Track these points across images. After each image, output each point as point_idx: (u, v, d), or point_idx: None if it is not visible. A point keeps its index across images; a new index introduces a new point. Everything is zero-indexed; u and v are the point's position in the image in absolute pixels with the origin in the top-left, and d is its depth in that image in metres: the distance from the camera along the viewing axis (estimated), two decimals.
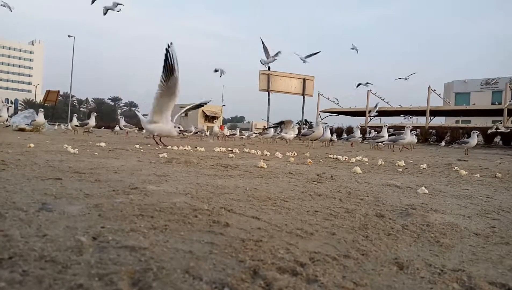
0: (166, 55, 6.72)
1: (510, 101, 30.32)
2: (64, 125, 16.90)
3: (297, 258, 1.07)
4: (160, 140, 7.66)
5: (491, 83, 51.86)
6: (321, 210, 1.82)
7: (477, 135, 12.16)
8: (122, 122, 15.35)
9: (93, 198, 1.76)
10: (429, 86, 41.22)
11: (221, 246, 1.15)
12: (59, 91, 40.63)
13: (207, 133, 17.27)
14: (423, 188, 2.64)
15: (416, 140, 14.89)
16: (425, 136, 31.17)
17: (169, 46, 6.72)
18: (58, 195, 1.79)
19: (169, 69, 6.77)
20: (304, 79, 32.95)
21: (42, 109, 14.34)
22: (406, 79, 18.96)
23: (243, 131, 20.99)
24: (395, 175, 3.76)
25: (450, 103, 47.94)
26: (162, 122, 7.35)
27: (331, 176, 3.23)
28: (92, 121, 14.37)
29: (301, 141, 14.80)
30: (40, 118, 14.04)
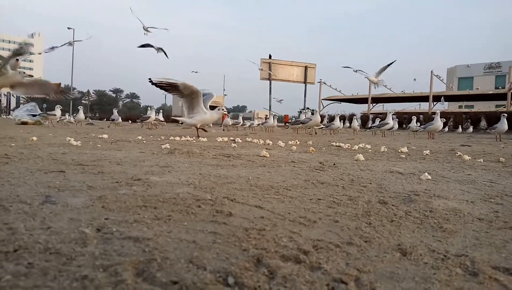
0: (157, 86, 7.29)
1: None
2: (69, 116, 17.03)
3: (300, 246, 1.07)
4: (197, 131, 8.05)
5: (494, 67, 51.36)
6: (324, 198, 1.82)
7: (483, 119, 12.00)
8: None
9: (97, 190, 1.77)
10: (432, 71, 40.90)
11: (225, 235, 1.15)
12: (60, 83, 40.55)
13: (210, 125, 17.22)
14: (426, 174, 2.64)
15: (397, 126, 14.89)
16: (427, 121, 30.89)
17: (151, 82, 7.17)
18: (61, 188, 1.79)
19: (170, 88, 7.36)
20: (305, 67, 32.74)
21: (81, 107, 14.77)
22: (355, 71, 18.62)
23: (245, 121, 21.00)
24: (398, 162, 3.75)
25: (453, 88, 47.58)
26: (200, 114, 7.73)
27: (334, 164, 3.23)
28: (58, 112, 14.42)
29: (293, 130, 14.77)
30: (80, 114, 14.48)
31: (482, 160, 4.15)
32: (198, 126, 7.87)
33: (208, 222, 1.30)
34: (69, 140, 4.64)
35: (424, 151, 4.94)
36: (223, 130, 14.74)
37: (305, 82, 32.94)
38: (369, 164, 3.40)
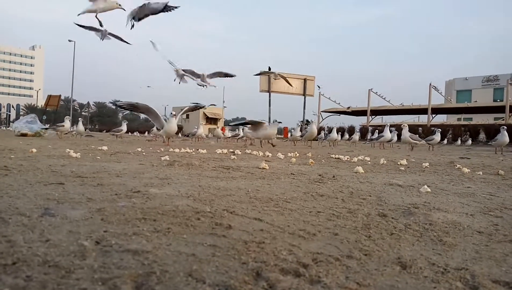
0: (121, 108, 9.12)
1: None
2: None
3: (300, 259, 1.07)
4: (168, 140, 9.86)
5: (492, 80, 51.73)
6: (324, 211, 1.81)
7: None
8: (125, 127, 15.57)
9: (96, 202, 1.76)
10: (430, 83, 41.14)
11: (224, 248, 1.15)
12: (60, 95, 40.73)
13: (209, 135, 17.33)
14: (425, 186, 2.64)
15: (396, 138, 14.96)
16: (426, 134, 31.13)
17: (115, 105, 9.03)
18: (60, 200, 1.79)
19: (131, 108, 8.94)
20: (304, 79, 32.97)
21: (81, 119, 14.92)
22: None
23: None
24: (397, 174, 3.76)
25: (451, 101, 47.85)
26: (164, 126, 9.33)
27: (333, 176, 3.23)
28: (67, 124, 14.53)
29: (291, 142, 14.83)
30: (80, 126, 14.56)
31: (481, 173, 4.16)
32: (165, 136, 9.47)
33: (207, 234, 1.30)
34: (69, 152, 4.64)
35: (424, 164, 4.94)
36: (214, 142, 14.75)
37: (304, 94, 33.12)
38: (368, 177, 3.40)
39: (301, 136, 13.53)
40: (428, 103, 40.91)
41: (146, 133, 37.64)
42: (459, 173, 4.08)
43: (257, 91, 32.21)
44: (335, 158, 6.04)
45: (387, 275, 0.99)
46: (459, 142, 26.92)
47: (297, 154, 6.35)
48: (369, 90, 44.02)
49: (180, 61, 14.35)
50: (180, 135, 35.73)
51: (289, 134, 33.32)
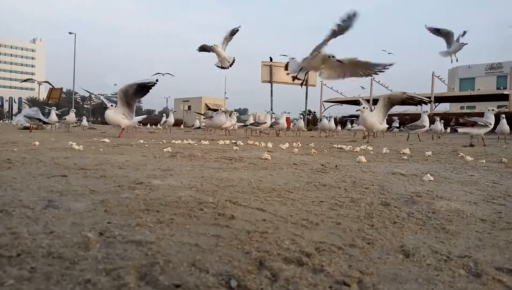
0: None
1: None
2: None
3: (303, 249, 1.07)
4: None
5: (496, 67, 51.26)
6: (326, 200, 1.81)
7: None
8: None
9: (99, 194, 1.77)
10: (433, 72, 40.83)
11: (227, 238, 1.15)
12: (62, 88, 40.78)
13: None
14: (428, 175, 2.63)
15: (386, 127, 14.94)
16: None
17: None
18: (64, 192, 1.80)
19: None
20: None
21: (54, 108, 14.67)
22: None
23: (246, 121, 21.00)
24: (400, 163, 3.75)
25: (454, 89, 47.49)
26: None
27: (336, 166, 3.22)
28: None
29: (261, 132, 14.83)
30: (52, 116, 14.47)
31: (484, 161, 4.14)
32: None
33: (210, 225, 1.30)
34: (71, 144, 4.65)
35: (426, 153, 4.93)
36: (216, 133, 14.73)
37: (306, 84, 32.88)
38: (371, 166, 3.39)
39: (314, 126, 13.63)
40: (431, 91, 40.62)
41: (148, 125, 37.53)
42: (462, 162, 4.07)
43: (259, 81, 32.11)
44: (338, 148, 6.03)
45: (390, 264, 0.99)
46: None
47: (300, 145, 6.34)
48: (371, 79, 43.73)
49: None
50: (182, 127, 35.70)
51: (291, 124, 33.21)
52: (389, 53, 24.16)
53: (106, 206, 1.53)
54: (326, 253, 1.06)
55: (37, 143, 4.91)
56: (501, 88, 44.95)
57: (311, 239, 1.18)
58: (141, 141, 6.57)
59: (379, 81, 44.57)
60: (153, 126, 38.35)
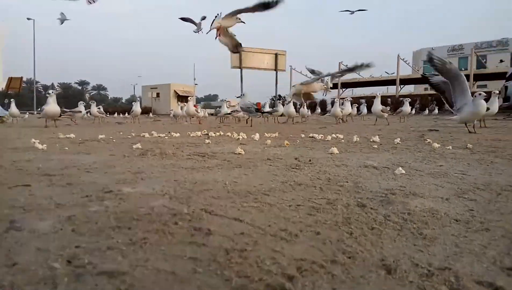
0: None
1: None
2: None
3: (285, 270, 1.04)
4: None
5: (457, 49, 53.01)
6: (303, 203, 1.80)
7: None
8: (94, 108, 14.86)
9: (66, 209, 1.67)
10: (398, 55, 41.76)
11: (205, 261, 1.10)
12: (22, 77, 38.92)
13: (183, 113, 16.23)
14: (400, 169, 2.67)
15: (355, 111, 15.41)
16: (395, 104, 32.06)
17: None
18: (27, 207, 1.69)
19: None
20: (276, 54, 32.69)
21: (13, 100, 13.92)
22: (351, 12, 18.76)
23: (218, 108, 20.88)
24: (371, 153, 3.80)
25: (419, 71, 48.79)
26: None
27: (310, 160, 3.22)
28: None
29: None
30: (13, 109, 13.78)
31: (451, 147, 4.27)
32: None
33: (186, 244, 1.25)
34: (34, 142, 4.42)
35: (395, 140, 5.03)
36: (187, 122, 14.53)
37: (276, 69, 32.93)
38: (343, 158, 3.41)
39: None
40: (397, 74, 41.62)
41: (116, 114, 36.53)
42: (430, 149, 4.18)
43: (228, 67, 31.74)
44: (309, 136, 6.06)
45: (373, 284, 0.98)
46: (426, 111, 27.71)
47: (272, 135, 6.32)
48: (339, 63, 44.25)
49: None
50: (151, 115, 34.93)
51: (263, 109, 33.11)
52: (352, 13, 22.85)
53: (74, 224, 1.44)
54: (309, 274, 1.03)
55: None
56: (463, 68, 46.51)
57: (292, 256, 1.15)
58: (109, 136, 6.34)
59: (346, 65, 45.02)
60: (121, 115, 37.28)
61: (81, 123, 13.21)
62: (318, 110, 34.59)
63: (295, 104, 14.37)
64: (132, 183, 2.25)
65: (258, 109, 11.99)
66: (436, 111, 28.57)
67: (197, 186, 2.18)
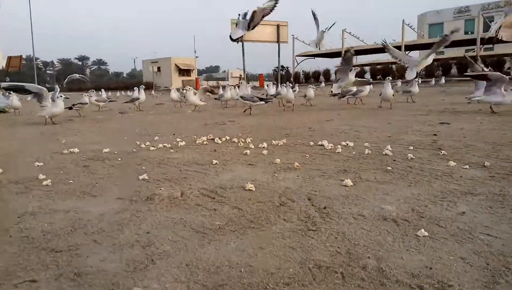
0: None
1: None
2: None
3: None
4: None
5: (464, 11, 51.45)
6: None
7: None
8: (93, 99, 14.72)
9: None
10: (403, 20, 40.65)
11: None
12: (21, 56, 38.51)
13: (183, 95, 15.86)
14: (422, 230, 2.52)
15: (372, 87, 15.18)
16: (401, 72, 31.56)
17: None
18: None
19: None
20: (277, 26, 31.90)
21: (13, 93, 14.01)
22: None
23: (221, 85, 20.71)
24: (386, 184, 3.64)
25: (424, 36, 47.64)
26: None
27: (325, 207, 3.08)
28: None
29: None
30: (15, 102, 13.79)
31: (467, 167, 4.11)
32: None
33: None
34: (37, 165, 4.26)
35: (408, 154, 4.85)
36: (191, 111, 14.31)
37: (278, 41, 32.23)
38: (359, 197, 3.27)
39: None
40: (402, 40, 40.63)
41: (118, 93, 36.08)
42: (446, 171, 4.01)
43: (229, 39, 30.97)
44: (318, 145, 5.89)
45: None
46: (433, 81, 27.26)
47: (279, 143, 6.15)
48: (342, 30, 43.22)
49: None
50: (153, 92, 34.54)
51: (265, 85, 32.84)
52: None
53: None
54: None
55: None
56: (469, 32, 45.42)
57: None
58: (111, 148, 6.20)
59: (350, 32, 44.06)
60: (123, 93, 36.91)
61: (86, 115, 13.04)
62: (322, 84, 34.18)
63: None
64: (142, 271, 2.14)
65: (261, 98, 11.79)
66: (443, 80, 28.09)
67: (211, 277, 2.06)
